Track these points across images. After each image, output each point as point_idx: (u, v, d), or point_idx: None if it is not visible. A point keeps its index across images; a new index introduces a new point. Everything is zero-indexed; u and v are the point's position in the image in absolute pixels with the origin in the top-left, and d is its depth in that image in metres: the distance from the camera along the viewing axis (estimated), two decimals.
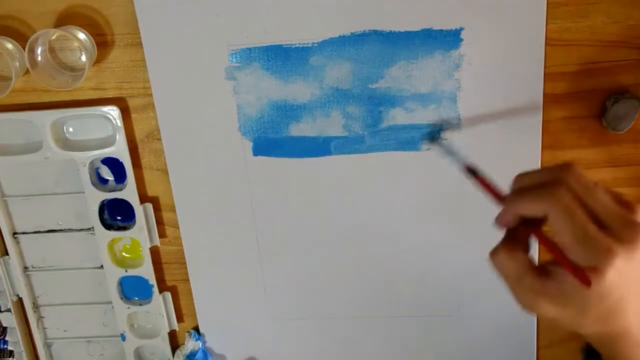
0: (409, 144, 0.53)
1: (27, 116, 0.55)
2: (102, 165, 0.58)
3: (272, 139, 0.54)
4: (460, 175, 0.54)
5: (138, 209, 0.57)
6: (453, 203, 0.54)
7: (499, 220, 0.38)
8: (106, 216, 0.59)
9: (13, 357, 0.65)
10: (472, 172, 0.43)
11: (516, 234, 0.38)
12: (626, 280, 0.34)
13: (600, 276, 0.33)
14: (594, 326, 0.36)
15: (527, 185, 0.37)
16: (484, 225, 0.56)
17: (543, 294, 0.35)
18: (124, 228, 0.59)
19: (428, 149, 0.53)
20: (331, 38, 0.50)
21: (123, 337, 0.63)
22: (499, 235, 0.55)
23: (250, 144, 0.55)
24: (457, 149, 0.51)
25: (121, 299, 0.61)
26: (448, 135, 0.52)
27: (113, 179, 0.58)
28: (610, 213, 0.35)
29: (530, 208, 0.36)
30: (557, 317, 0.36)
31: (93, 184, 0.57)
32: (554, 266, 0.36)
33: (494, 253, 0.37)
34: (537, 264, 0.36)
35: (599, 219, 0.35)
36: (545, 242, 0.36)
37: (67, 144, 0.56)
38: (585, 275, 0.34)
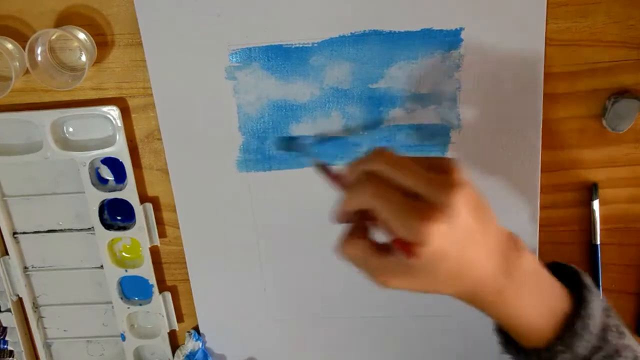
0: (409, 147, 0.53)
1: (27, 116, 0.55)
2: (102, 165, 0.58)
3: (272, 139, 0.54)
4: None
5: (138, 209, 0.57)
6: None
7: (335, 218, 0.40)
8: (106, 216, 0.59)
9: (13, 357, 0.65)
10: (322, 167, 0.44)
11: (353, 223, 0.40)
12: (456, 239, 0.35)
13: (426, 245, 0.34)
14: (450, 288, 0.37)
15: (348, 184, 0.39)
16: None
17: (389, 271, 0.37)
18: (124, 228, 0.59)
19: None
20: (331, 38, 0.51)
21: (123, 337, 0.63)
22: None
23: (251, 144, 0.55)
24: (307, 147, 0.51)
25: (121, 299, 0.61)
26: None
27: (113, 179, 0.58)
28: (422, 183, 0.36)
29: (352, 205, 0.38)
30: (411, 288, 0.37)
31: (93, 184, 0.57)
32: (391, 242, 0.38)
33: (337, 245, 0.39)
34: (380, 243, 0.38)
35: (413, 192, 0.36)
36: (376, 224, 0.38)
37: (67, 144, 0.56)
38: (409, 248, 0.35)
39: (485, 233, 0.37)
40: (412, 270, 0.36)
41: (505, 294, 0.38)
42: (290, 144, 0.54)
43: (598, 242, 0.54)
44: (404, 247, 0.36)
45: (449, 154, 0.53)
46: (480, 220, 0.36)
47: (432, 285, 0.37)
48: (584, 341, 0.38)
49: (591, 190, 0.53)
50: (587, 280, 0.40)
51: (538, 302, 0.39)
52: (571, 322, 0.38)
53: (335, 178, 0.41)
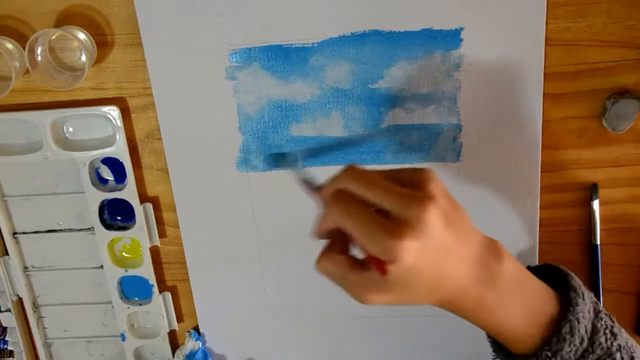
0: (410, 154, 0.53)
1: (27, 116, 0.55)
2: (102, 165, 0.58)
3: (272, 139, 0.54)
4: (459, 176, 0.54)
5: (138, 209, 0.57)
6: None
7: (315, 234, 0.40)
8: (106, 216, 0.59)
9: (13, 357, 0.65)
10: (305, 182, 0.44)
11: (332, 239, 0.39)
12: (429, 253, 0.35)
13: (397, 261, 0.34)
14: (428, 299, 0.37)
15: (324, 201, 0.39)
16: (484, 225, 0.56)
17: (366, 286, 0.37)
18: (124, 228, 0.59)
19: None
20: (331, 38, 0.51)
21: (123, 337, 0.63)
22: (499, 234, 0.55)
23: (251, 144, 0.55)
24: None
25: (121, 299, 0.61)
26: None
27: (113, 179, 0.58)
28: (391, 199, 0.35)
29: (326, 224, 0.38)
30: (389, 302, 0.37)
31: (93, 184, 0.57)
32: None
33: (317, 261, 0.39)
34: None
35: (382, 209, 0.36)
36: (353, 242, 0.38)
37: (67, 144, 0.56)
38: (381, 265, 0.35)
39: (461, 244, 0.37)
40: (388, 286, 0.36)
41: (486, 301, 0.38)
42: (280, 160, 0.54)
43: (598, 242, 0.54)
44: (377, 264, 0.35)
45: (449, 154, 0.53)
46: (455, 231, 0.36)
47: (410, 299, 0.37)
48: (572, 345, 0.37)
49: (591, 190, 0.53)
50: (575, 282, 0.40)
51: (521, 308, 0.38)
52: (557, 327, 0.38)
53: (317, 193, 0.41)
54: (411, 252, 0.34)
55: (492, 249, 0.38)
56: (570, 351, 0.37)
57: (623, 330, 0.40)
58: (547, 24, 0.49)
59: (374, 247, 0.35)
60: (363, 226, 0.35)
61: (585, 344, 0.37)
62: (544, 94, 0.51)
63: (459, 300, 0.38)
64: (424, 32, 0.49)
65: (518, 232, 0.55)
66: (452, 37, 0.49)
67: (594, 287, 0.55)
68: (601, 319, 0.39)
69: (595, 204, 0.53)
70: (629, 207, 0.54)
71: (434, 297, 0.37)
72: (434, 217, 0.34)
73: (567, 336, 0.37)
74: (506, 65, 0.50)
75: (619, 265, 0.56)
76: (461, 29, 0.49)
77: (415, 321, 0.60)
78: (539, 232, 0.55)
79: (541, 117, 0.51)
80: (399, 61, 0.51)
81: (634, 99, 0.49)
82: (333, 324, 0.61)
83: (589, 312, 0.38)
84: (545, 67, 0.50)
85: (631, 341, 0.39)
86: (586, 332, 0.38)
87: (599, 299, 0.55)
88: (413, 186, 0.36)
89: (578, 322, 0.37)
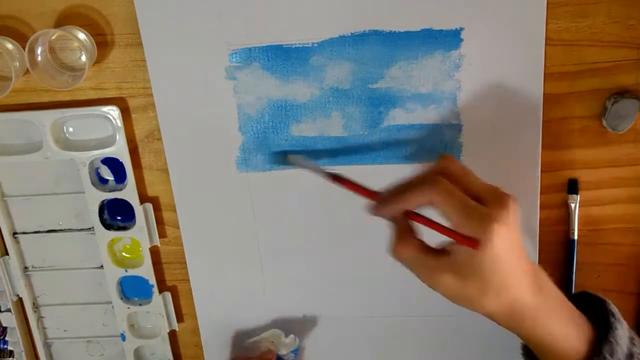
0: (410, 154, 0.53)
1: (27, 116, 0.55)
2: (102, 165, 0.58)
3: (272, 139, 0.54)
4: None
5: (138, 209, 0.57)
6: None
7: (381, 212, 0.43)
8: (106, 216, 0.59)
9: (13, 357, 0.65)
10: (338, 178, 0.46)
11: (402, 225, 0.43)
12: (511, 247, 0.39)
13: (487, 239, 0.38)
14: (493, 300, 0.39)
15: (409, 182, 0.42)
16: None
17: (442, 269, 0.40)
18: (124, 228, 0.59)
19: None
20: (331, 38, 0.50)
21: (123, 337, 0.63)
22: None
23: (251, 144, 0.55)
24: (312, 162, 0.52)
25: (121, 299, 0.61)
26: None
27: (113, 179, 0.58)
28: (483, 189, 0.41)
29: (417, 201, 0.41)
30: (459, 291, 0.40)
31: (93, 184, 0.57)
32: (447, 245, 0.41)
33: (392, 248, 0.42)
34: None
35: (475, 196, 0.40)
36: (430, 223, 0.41)
37: (67, 144, 0.56)
38: (472, 238, 0.38)
39: (524, 253, 0.41)
40: (467, 271, 0.39)
41: (540, 314, 0.40)
42: (284, 158, 0.54)
43: (576, 237, 0.55)
44: (465, 239, 0.38)
45: (448, 154, 0.53)
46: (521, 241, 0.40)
47: (479, 293, 0.39)
48: None
49: (568, 185, 0.53)
50: (613, 308, 0.42)
51: (566, 327, 0.40)
52: (598, 347, 0.39)
53: (357, 186, 0.44)
54: (500, 238, 0.37)
55: (539, 268, 0.42)
56: None
57: None
58: (547, 24, 0.49)
59: (468, 223, 0.38)
60: (461, 204, 0.39)
61: None
62: (544, 94, 0.51)
63: (518, 307, 0.40)
64: (424, 32, 0.49)
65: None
66: (452, 37, 0.49)
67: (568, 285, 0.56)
68: (636, 345, 0.40)
69: (573, 199, 0.53)
70: (628, 207, 0.54)
71: (498, 298, 0.39)
72: (515, 218, 0.39)
73: (607, 355, 0.39)
74: (506, 65, 0.50)
75: (618, 265, 0.56)
76: (461, 29, 0.49)
77: (416, 321, 0.60)
78: (539, 232, 0.55)
79: (541, 117, 0.51)
80: (399, 61, 0.51)
81: (634, 99, 0.49)
82: (333, 324, 0.61)
83: (627, 338, 0.40)
84: (545, 67, 0.50)
85: None
86: (624, 355, 0.39)
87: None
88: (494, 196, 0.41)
89: (617, 344, 0.39)
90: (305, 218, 0.57)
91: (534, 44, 0.49)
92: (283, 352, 0.59)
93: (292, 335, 0.60)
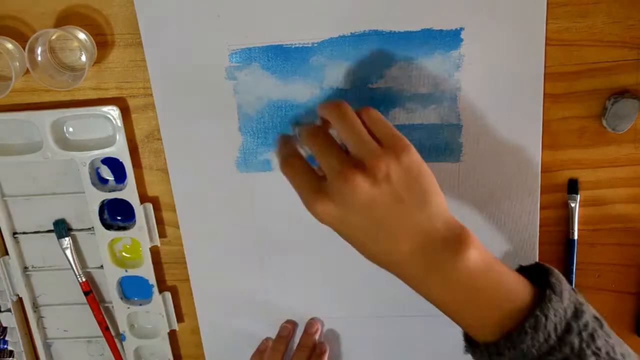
0: None
1: (27, 116, 0.55)
2: (102, 165, 0.58)
3: (272, 139, 0.54)
4: (459, 176, 0.54)
5: (138, 209, 0.57)
6: (452, 203, 0.54)
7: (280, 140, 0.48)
8: (106, 216, 0.59)
9: (13, 357, 0.65)
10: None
11: (290, 145, 0.47)
12: (381, 200, 0.40)
13: (372, 169, 0.39)
14: (374, 248, 0.42)
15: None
16: (484, 225, 0.56)
17: (321, 192, 0.41)
18: (124, 228, 0.59)
19: None
20: (331, 38, 0.51)
21: (123, 337, 0.63)
22: (500, 234, 0.55)
23: (251, 144, 0.55)
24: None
25: (121, 299, 0.61)
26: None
27: (113, 179, 0.58)
28: (382, 129, 0.42)
29: (320, 113, 0.46)
30: (334, 221, 0.42)
31: (93, 184, 0.57)
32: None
33: (284, 160, 0.45)
34: None
35: (377, 138, 0.42)
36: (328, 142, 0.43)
37: (67, 144, 0.56)
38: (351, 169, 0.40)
39: (417, 211, 0.40)
40: (342, 197, 0.40)
41: (431, 288, 0.41)
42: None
43: (575, 237, 0.54)
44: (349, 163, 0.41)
45: (449, 154, 0.53)
46: (411, 198, 0.40)
47: (361, 235, 0.42)
48: (535, 341, 0.37)
49: (568, 185, 0.53)
50: (555, 279, 0.39)
51: (480, 301, 0.39)
52: (522, 320, 0.37)
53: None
54: (382, 173, 0.39)
55: (454, 238, 0.40)
56: (532, 346, 0.37)
57: (615, 338, 0.38)
58: (547, 24, 0.49)
59: (359, 149, 0.41)
60: (356, 134, 0.41)
61: (552, 341, 0.37)
62: (544, 94, 0.51)
63: (401, 272, 0.42)
64: (424, 32, 0.50)
65: (518, 232, 0.55)
66: (452, 37, 0.49)
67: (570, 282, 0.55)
68: (580, 318, 0.38)
69: (573, 199, 0.53)
70: (628, 208, 0.54)
71: (372, 247, 0.42)
72: (410, 168, 0.40)
73: (530, 330, 0.37)
74: (506, 65, 0.50)
75: (618, 265, 0.56)
76: (461, 29, 0.49)
77: (416, 321, 0.60)
78: (539, 232, 0.55)
79: (541, 117, 0.51)
80: (399, 61, 0.51)
81: (634, 99, 0.49)
82: (333, 324, 0.61)
83: (564, 311, 0.38)
84: (545, 67, 0.50)
85: (623, 350, 0.38)
86: (555, 329, 0.37)
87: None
88: (387, 147, 0.41)
89: (546, 319, 0.37)
90: (305, 218, 0.57)
91: (534, 44, 0.49)
92: None
93: None
